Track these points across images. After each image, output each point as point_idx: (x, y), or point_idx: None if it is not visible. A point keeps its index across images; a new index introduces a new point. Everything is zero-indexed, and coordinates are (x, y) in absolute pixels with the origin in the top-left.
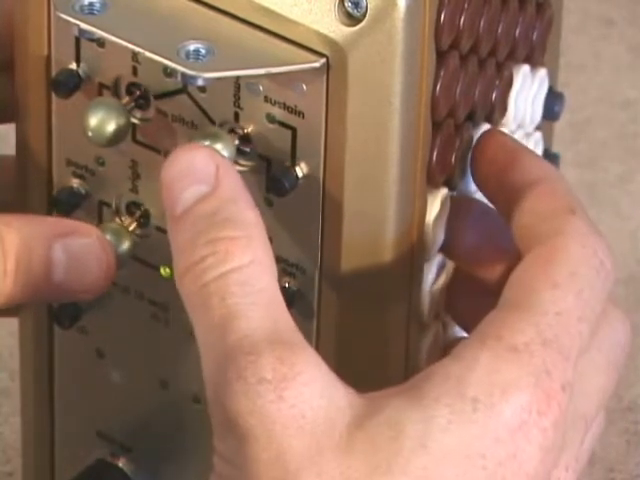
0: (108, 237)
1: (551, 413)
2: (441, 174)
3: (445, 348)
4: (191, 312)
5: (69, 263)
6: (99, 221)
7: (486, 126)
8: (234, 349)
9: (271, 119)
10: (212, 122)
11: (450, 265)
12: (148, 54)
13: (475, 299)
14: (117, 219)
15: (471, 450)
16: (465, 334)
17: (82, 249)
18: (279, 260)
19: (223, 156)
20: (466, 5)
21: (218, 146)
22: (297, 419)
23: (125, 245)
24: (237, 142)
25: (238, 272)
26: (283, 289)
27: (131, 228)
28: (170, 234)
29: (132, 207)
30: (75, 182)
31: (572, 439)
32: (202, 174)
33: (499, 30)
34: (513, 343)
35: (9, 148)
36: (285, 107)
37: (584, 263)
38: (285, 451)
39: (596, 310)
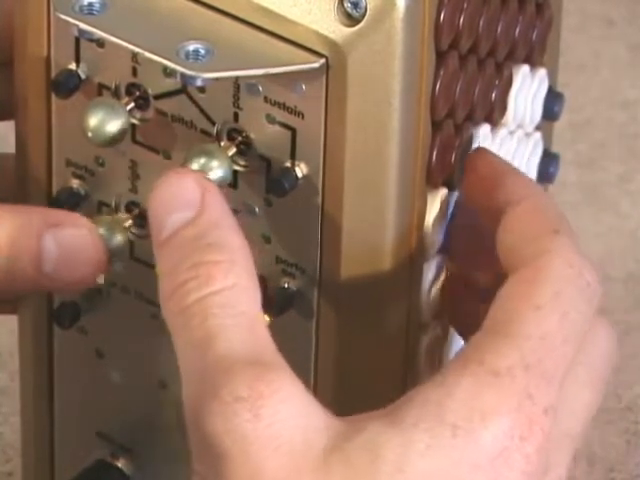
0: (102, 230)
1: (534, 438)
2: (441, 174)
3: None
4: (173, 334)
5: (59, 254)
6: None
7: (486, 126)
8: (212, 368)
9: (271, 119)
10: (212, 122)
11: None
12: (147, 54)
13: (472, 305)
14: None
15: (449, 476)
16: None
17: (73, 240)
18: (279, 261)
19: (210, 181)
20: (465, 5)
21: (214, 163)
22: (274, 439)
23: (118, 238)
24: (234, 151)
25: (220, 295)
26: (283, 289)
27: (127, 224)
28: (156, 259)
29: (131, 207)
30: (75, 182)
31: (556, 460)
32: (188, 200)
33: (499, 30)
34: (495, 367)
35: (9, 148)
36: (285, 107)
37: (569, 283)
38: (262, 473)
39: (582, 331)
